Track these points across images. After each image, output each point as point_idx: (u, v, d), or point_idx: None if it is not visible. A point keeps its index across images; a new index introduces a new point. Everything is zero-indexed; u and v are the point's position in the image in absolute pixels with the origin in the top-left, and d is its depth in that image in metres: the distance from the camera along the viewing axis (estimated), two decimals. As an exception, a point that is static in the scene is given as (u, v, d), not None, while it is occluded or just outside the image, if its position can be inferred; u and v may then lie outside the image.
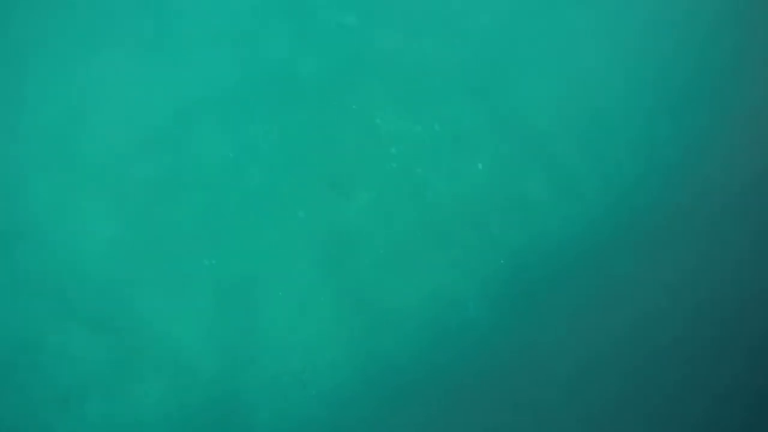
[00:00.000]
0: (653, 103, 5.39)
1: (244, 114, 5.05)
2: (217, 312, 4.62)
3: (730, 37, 5.53)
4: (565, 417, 4.64)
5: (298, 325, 4.66)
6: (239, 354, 4.53)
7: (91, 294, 4.49)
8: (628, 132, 5.27)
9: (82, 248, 4.57)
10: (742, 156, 5.24)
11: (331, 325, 4.70)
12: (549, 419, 4.63)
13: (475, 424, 4.60)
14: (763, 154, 5.21)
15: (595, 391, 4.68)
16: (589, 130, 5.26)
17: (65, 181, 4.68)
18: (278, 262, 4.75)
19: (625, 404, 4.69)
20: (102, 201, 4.69)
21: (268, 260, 4.74)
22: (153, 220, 4.72)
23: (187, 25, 5.19)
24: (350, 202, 4.93)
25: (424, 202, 4.98)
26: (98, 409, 4.30)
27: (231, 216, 4.82)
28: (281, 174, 4.97)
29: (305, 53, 5.27)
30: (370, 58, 5.30)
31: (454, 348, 4.72)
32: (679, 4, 5.62)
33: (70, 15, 5.05)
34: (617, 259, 4.99)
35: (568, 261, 4.95)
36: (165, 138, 4.88)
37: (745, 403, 4.70)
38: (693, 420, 4.67)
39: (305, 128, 5.10)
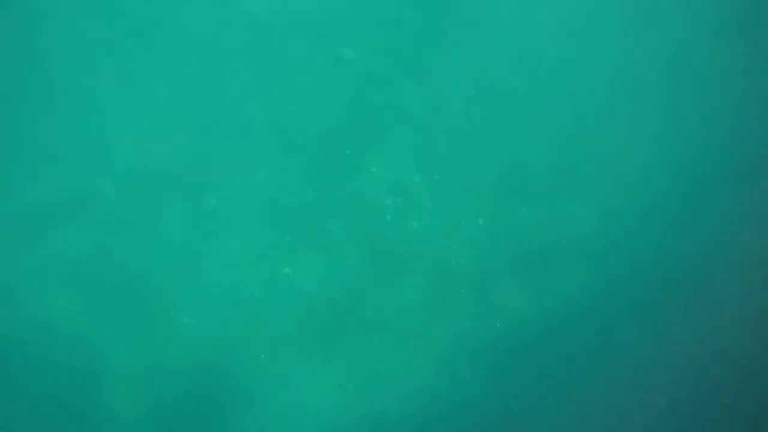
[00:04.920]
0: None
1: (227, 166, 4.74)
2: (196, 372, 4.42)
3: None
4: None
5: (285, 391, 4.44)
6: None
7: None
8: (632, 185, 4.86)
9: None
10: None
11: (323, 389, 4.48)
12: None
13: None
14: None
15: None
16: (594, 181, 4.86)
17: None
18: (263, 325, 4.50)
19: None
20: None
21: (253, 322, 4.50)
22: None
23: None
24: (340, 259, 4.64)
25: (419, 261, 4.67)
26: None
27: (214, 277, 4.56)
28: (267, 228, 4.66)
29: (294, 92, 4.90)
30: (367, 97, 4.91)
31: (447, 414, 4.49)
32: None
33: None
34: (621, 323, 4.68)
35: (572, 324, 4.64)
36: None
37: None
38: None
39: (291, 173, 4.77)
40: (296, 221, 4.64)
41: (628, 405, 4.56)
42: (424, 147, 4.86)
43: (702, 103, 5.02)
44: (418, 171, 4.81)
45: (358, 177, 4.76)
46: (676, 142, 4.95)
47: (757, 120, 5.01)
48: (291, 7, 5.01)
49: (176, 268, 4.50)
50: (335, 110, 4.86)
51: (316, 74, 4.92)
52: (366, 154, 4.80)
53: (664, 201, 4.84)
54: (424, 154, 4.84)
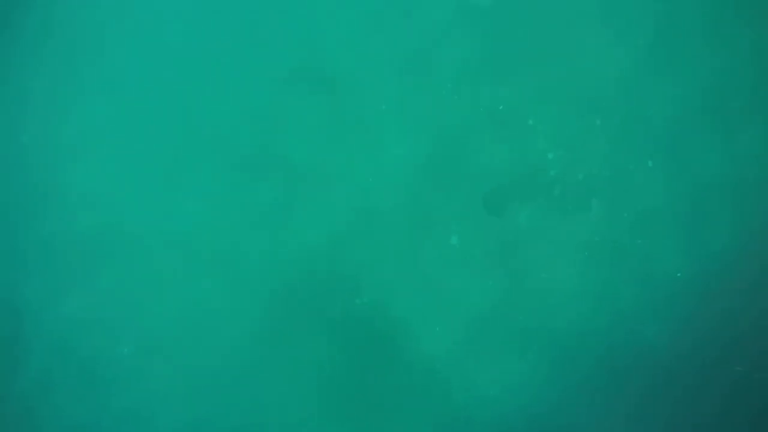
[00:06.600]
0: None
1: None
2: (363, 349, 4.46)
3: None
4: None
5: (460, 356, 4.44)
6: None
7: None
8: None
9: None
10: None
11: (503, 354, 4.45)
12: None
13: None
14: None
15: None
16: None
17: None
18: (433, 298, 4.45)
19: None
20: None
21: (422, 294, 4.45)
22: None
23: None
24: (506, 221, 4.46)
25: (588, 215, 4.44)
26: None
27: (378, 246, 4.50)
28: (429, 196, 4.51)
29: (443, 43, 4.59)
30: (515, 47, 4.54)
31: (629, 370, 4.39)
32: None
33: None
34: None
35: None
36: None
37: None
38: None
39: (447, 136, 4.54)
40: (457, 186, 4.48)
41: None
42: (579, 91, 4.51)
43: None
44: (578, 118, 4.49)
45: (516, 133, 4.50)
46: None
47: None
48: None
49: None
50: (478, 60, 4.55)
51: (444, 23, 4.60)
52: (521, 106, 4.51)
53: None
54: (581, 100, 4.50)
